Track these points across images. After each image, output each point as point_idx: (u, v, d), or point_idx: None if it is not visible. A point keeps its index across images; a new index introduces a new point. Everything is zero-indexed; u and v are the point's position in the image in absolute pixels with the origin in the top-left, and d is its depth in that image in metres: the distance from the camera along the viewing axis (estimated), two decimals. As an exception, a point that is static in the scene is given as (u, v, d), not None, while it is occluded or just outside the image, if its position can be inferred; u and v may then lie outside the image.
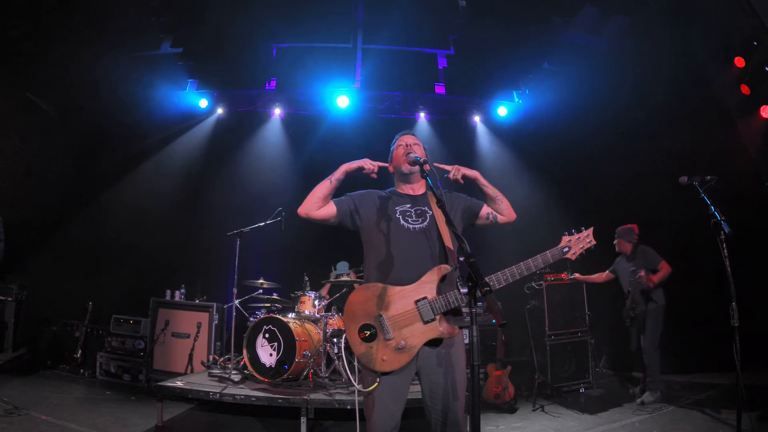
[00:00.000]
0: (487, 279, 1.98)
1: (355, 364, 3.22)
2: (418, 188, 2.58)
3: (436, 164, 2.45)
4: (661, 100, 5.94)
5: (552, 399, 5.43)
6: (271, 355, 4.76)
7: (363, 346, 2.27)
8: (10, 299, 6.02)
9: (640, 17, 5.77)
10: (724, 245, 3.22)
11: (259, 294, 5.63)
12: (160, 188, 7.06)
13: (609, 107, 6.21)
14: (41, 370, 5.90)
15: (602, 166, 6.72)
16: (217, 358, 5.67)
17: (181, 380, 4.75)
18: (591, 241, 2.33)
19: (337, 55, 6.53)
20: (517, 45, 6.29)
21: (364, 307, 2.30)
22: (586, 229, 2.35)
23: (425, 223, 2.42)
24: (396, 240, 2.38)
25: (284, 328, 4.75)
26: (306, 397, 4.17)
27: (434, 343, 2.26)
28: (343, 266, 5.77)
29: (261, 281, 5.51)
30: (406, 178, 2.55)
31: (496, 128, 7.61)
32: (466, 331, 2.31)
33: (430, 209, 2.46)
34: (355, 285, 5.36)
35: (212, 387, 4.49)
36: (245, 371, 4.90)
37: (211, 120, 7.41)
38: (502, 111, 7.40)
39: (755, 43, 4.98)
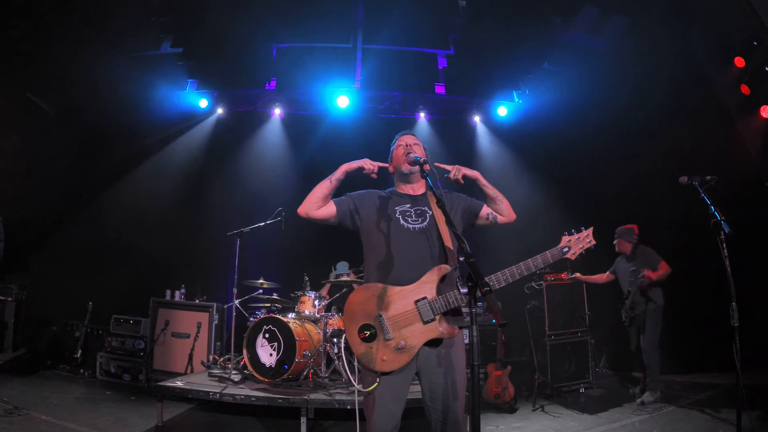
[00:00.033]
0: (487, 279, 1.98)
1: (355, 364, 3.22)
2: (418, 188, 2.58)
3: (436, 164, 2.46)
4: (661, 100, 5.94)
5: (552, 399, 5.43)
6: (271, 355, 4.76)
7: (363, 346, 2.27)
8: (10, 299, 6.01)
9: (640, 17, 5.77)
10: (724, 245, 3.22)
11: (259, 294, 5.63)
12: (160, 188, 7.06)
13: (609, 107, 6.21)
14: (41, 370, 5.90)
15: (602, 166, 6.72)
16: (217, 358, 5.67)
17: (181, 380, 4.75)
18: (591, 241, 2.33)
19: (337, 55, 6.53)
20: (517, 45, 6.29)
21: (364, 307, 2.30)
22: (585, 229, 2.35)
23: (425, 223, 2.42)
24: (396, 240, 2.38)
25: (284, 328, 4.75)
26: (306, 397, 4.17)
27: (434, 343, 2.26)
28: (342, 266, 5.77)
29: (261, 281, 5.51)
30: (406, 178, 2.55)
31: (496, 128, 7.61)
32: (466, 331, 2.31)
33: (430, 209, 2.46)
34: (354, 285, 5.37)
35: (212, 387, 4.49)
36: (245, 371, 4.90)
37: (211, 120, 7.41)
38: (502, 111, 7.40)
39: (755, 43, 4.98)
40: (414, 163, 2.42)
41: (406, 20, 6.05)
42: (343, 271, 5.68)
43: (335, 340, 4.88)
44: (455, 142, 7.48)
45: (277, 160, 7.46)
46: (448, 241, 2.37)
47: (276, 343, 4.75)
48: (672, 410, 4.80)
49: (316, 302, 5.27)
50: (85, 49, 5.84)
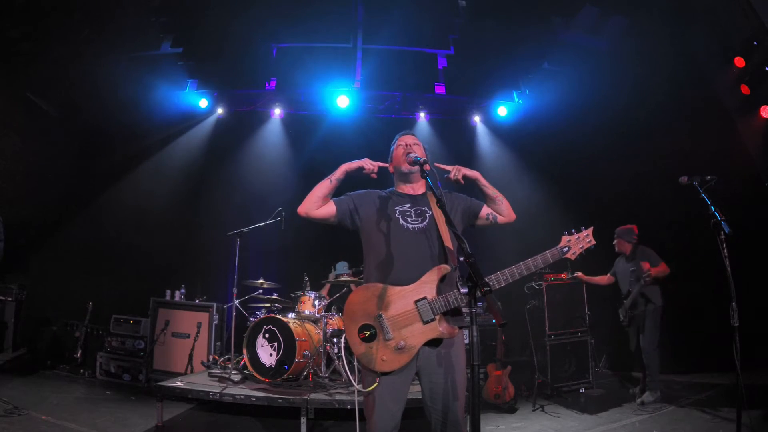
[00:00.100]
0: (487, 279, 1.97)
1: (355, 364, 3.22)
2: (418, 188, 2.58)
3: (436, 164, 2.46)
4: (660, 100, 5.94)
5: (552, 399, 5.43)
6: (271, 355, 4.76)
7: (363, 347, 2.27)
8: (10, 299, 6.01)
9: (640, 17, 5.78)
10: (724, 245, 3.22)
11: (259, 294, 5.63)
12: (160, 188, 7.06)
13: (609, 107, 6.21)
14: (41, 370, 5.90)
15: (602, 166, 6.72)
16: (217, 358, 5.67)
17: (181, 380, 4.75)
18: (591, 240, 2.33)
19: (337, 55, 6.53)
20: (517, 45, 6.29)
21: (364, 307, 2.30)
22: (585, 228, 2.35)
23: (425, 223, 2.42)
24: (395, 240, 2.38)
25: (284, 328, 4.75)
26: (306, 397, 4.17)
27: (434, 343, 2.26)
28: (342, 266, 5.77)
29: (261, 281, 5.51)
30: (406, 178, 2.55)
31: (496, 128, 7.61)
32: (466, 331, 2.31)
33: (430, 209, 2.46)
34: (352, 286, 5.38)
35: (212, 387, 4.49)
36: (245, 371, 4.90)
37: (211, 120, 7.42)
38: (502, 111, 7.40)
39: (755, 43, 4.98)
40: (414, 163, 2.43)
41: (406, 20, 6.05)
42: (342, 271, 5.68)
43: (335, 340, 4.88)
44: (455, 142, 7.48)
45: (277, 160, 7.46)
46: (448, 241, 2.37)
47: (276, 343, 4.75)
48: (672, 410, 4.80)
49: (316, 302, 5.27)
50: (85, 49, 5.84)
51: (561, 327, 5.84)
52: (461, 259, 2.12)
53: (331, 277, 5.56)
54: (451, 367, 2.26)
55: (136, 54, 6.38)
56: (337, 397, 4.29)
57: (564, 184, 7.14)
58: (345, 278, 5.33)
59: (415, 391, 2.29)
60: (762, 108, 5.19)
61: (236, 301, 5.31)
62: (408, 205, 2.49)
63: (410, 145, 2.55)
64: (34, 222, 6.28)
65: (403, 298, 2.27)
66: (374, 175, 2.52)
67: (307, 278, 5.47)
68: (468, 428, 1.98)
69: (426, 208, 2.47)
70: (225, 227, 5.40)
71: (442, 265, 2.30)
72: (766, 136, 5.26)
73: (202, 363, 5.63)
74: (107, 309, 6.21)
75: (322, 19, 6.10)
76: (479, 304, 2.15)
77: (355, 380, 3.13)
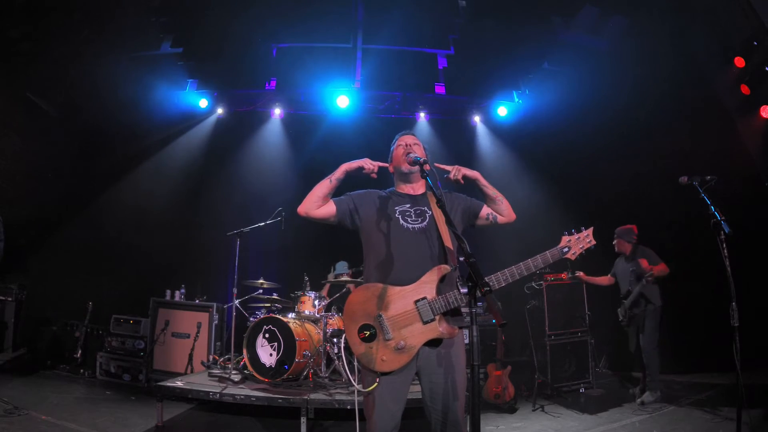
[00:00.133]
0: (487, 279, 1.97)
1: (355, 364, 3.22)
2: (418, 188, 2.58)
3: (436, 164, 2.46)
4: (660, 100, 5.94)
5: (552, 399, 5.43)
6: (271, 355, 4.76)
7: (363, 347, 2.27)
8: (10, 299, 6.01)
9: (640, 17, 5.78)
10: (724, 245, 3.21)
11: (259, 294, 5.63)
12: (160, 188, 7.06)
13: (609, 107, 6.21)
14: (41, 370, 5.90)
15: (602, 166, 6.72)
16: (217, 358, 5.67)
17: (181, 380, 4.75)
18: (591, 241, 2.33)
19: (337, 55, 6.53)
20: (517, 45, 6.29)
21: (364, 307, 2.30)
22: (585, 229, 2.35)
23: (425, 223, 2.42)
24: (395, 240, 2.38)
25: (284, 328, 4.75)
26: (306, 397, 4.17)
27: (434, 343, 2.26)
28: (342, 266, 5.78)
29: (261, 281, 5.51)
30: (406, 178, 2.55)
31: (496, 128, 7.61)
32: (466, 331, 2.31)
33: (430, 209, 2.46)
34: (350, 286, 5.38)
35: (212, 387, 4.49)
36: (245, 371, 4.90)
37: (211, 120, 7.42)
38: (502, 111, 7.40)
39: (755, 43, 4.97)
40: (414, 163, 2.42)
41: (406, 20, 6.05)
42: (342, 271, 5.68)
43: (335, 340, 4.88)
44: (455, 142, 7.49)
45: (277, 160, 7.46)
46: (448, 241, 2.37)
47: (276, 343, 4.75)
48: (672, 410, 4.80)
49: (316, 302, 5.27)
50: (85, 49, 5.85)
51: (561, 327, 5.84)
52: (461, 259, 2.12)
53: (331, 277, 5.56)
54: (451, 367, 2.26)
55: (136, 54, 6.38)
56: (337, 397, 4.29)
57: (564, 184, 7.14)
58: (345, 278, 5.33)
59: (415, 391, 2.29)
60: (762, 108, 5.18)
61: (236, 301, 5.31)
62: (408, 205, 2.49)
63: (410, 145, 2.55)
64: (34, 222, 6.27)
65: (403, 298, 2.27)
66: (374, 175, 2.52)
67: (307, 278, 5.47)
68: (468, 428, 1.98)
69: (426, 208, 2.47)
70: (225, 227, 5.40)
71: (442, 265, 2.30)
72: (766, 136, 5.26)
73: (202, 363, 5.63)
74: (107, 309, 6.21)
75: (322, 19, 6.10)
76: (479, 304, 2.15)
77: (355, 380, 3.13)
